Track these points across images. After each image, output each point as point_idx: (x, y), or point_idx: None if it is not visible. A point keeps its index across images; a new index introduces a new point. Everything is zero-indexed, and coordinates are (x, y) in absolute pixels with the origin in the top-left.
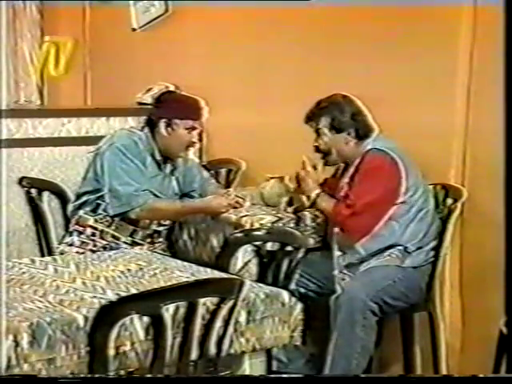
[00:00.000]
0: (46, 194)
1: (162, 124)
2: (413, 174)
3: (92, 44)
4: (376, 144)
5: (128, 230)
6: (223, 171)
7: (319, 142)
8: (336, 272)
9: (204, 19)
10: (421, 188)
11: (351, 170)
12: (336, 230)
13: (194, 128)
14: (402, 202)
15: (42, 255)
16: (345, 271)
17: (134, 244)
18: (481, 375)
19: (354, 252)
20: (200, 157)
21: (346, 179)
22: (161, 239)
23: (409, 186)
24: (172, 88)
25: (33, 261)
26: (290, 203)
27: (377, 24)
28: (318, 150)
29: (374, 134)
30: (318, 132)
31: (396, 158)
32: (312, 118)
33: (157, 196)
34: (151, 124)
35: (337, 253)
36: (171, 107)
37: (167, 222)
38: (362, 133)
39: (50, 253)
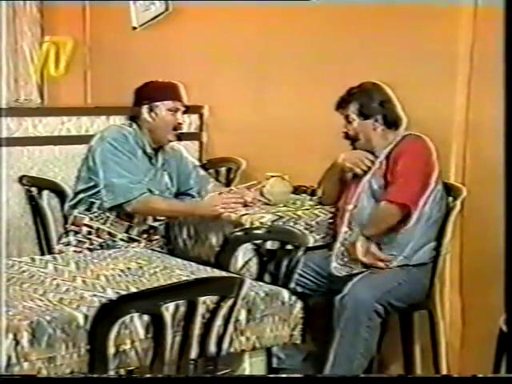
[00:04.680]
0: (46, 193)
1: (144, 110)
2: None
3: (92, 43)
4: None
5: (123, 227)
6: (223, 170)
7: (348, 128)
8: (338, 245)
9: (204, 18)
10: (440, 183)
11: (385, 151)
12: (350, 207)
13: (176, 109)
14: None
15: (42, 254)
16: (347, 247)
17: (130, 240)
18: (481, 375)
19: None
20: (200, 155)
21: (377, 164)
22: (158, 236)
23: (436, 177)
24: None
25: (33, 259)
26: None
27: (377, 23)
28: (347, 136)
29: (404, 124)
30: (347, 118)
31: (432, 147)
32: (342, 104)
33: (150, 191)
34: (136, 117)
35: (345, 228)
36: (150, 92)
37: (163, 218)
38: (391, 120)
39: (50, 251)
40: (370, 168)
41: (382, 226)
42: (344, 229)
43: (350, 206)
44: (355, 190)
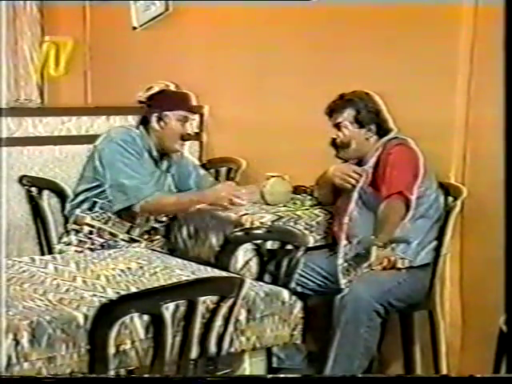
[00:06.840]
0: (46, 193)
1: (153, 118)
2: (428, 169)
3: (92, 43)
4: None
5: (125, 227)
6: (223, 170)
7: (339, 134)
8: (340, 261)
9: (204, 17)
10: (434, 184)
11: (372, 160)
12: (346, 220)
13: (186, 119)
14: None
15: (42, 254)
16: (350, 262)
17: (131, 241)
18: (481, 375)
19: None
20: (200, 155)
21: (365, 173)
22: (158, 236)
23: (424, 179)
24: (172, 86)
25: (33, 259)
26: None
27: (377, 22)
28: (334, 143)
29: (393, 132)
30: (338, 125)
31: (417, 149)
32: (335, 109)
33: None
34: (145, 122)
35: (343, 242)
36: (161, 101)
37: (164, 219)
38: (383, 131)
39: (50, 251)
40: (358, 181)
41: (391, 223)
42: (343, 242)
43: (346, 219)
44: (348, 200)
